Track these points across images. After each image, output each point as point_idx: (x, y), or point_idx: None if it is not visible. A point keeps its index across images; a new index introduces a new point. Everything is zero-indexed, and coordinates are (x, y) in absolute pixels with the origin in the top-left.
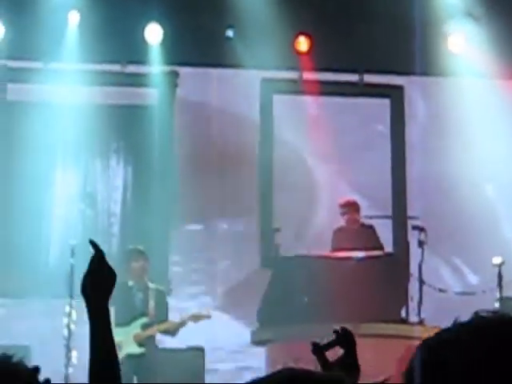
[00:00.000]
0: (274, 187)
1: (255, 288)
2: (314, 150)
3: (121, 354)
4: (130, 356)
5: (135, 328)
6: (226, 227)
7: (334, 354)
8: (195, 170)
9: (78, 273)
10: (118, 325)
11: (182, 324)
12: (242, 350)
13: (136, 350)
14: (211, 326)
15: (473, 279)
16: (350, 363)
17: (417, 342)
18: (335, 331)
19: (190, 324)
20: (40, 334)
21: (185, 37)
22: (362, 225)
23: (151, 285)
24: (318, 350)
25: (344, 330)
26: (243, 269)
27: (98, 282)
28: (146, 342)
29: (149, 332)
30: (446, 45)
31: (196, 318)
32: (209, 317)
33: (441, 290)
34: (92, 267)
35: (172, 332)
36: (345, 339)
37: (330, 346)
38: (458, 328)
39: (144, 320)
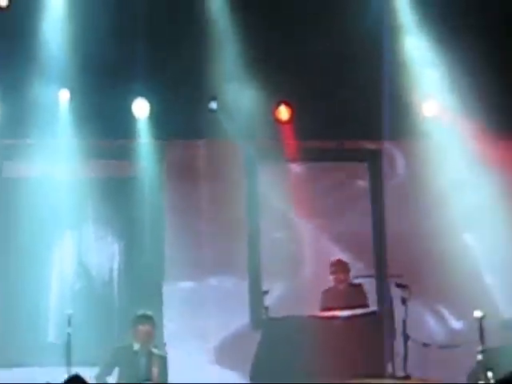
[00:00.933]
0: (261, 248)
1: (246, 346)
2: (298, 210)
3: None
4: None
5: None
6: (217, 284)
7: None
8: (185, 234)
9: (74, 340)
10: None
11: None
12: None
13: None
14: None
15: (456, 325)
16: None
17: None
18: None
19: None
20: None
21: (170, 110)
22: (350, 284)
23: (154, 350)
24: None
25: None
26: (234, 326)
27: None
28: None
29: None
30: (421, 110)
31: None
32: None
33: (425, 345)
34: None
35: None
36: None
37: None
38: None
39: None
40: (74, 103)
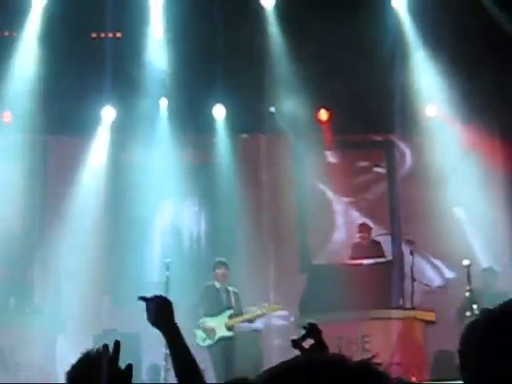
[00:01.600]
0: (308, 217)
1: (297, 285)
2: (334, 188)
3: (216, 337)
4: (221, 338)
5: (224, 318)
6: (275, 239)
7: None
8: (251, 204)
9: (171, 282)
10: (210, 315)
11: (261, 315)
12: (288, 332)
13: (226, 333)
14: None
15: (449, 275)
16: (320, 349)
17: (410, 322)
18: (304, 327)
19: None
20: (147, 325)
21: (241, 113)
22: (372, 240)
23: (230, 287)
24: (295, 343)
25: (310, 324)
26: (288, 271)
27: (160, 313)
28: (231, 328)
29: (237, 320)
30: (425, 111)
31: (273, 309)
32: (280, 309)
33: (426, 285)
34: (149, 307)
35: (252, 321)
36: (312, 331)
37: (303, 338)
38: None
39: (230, 312)
40: (170, 108)
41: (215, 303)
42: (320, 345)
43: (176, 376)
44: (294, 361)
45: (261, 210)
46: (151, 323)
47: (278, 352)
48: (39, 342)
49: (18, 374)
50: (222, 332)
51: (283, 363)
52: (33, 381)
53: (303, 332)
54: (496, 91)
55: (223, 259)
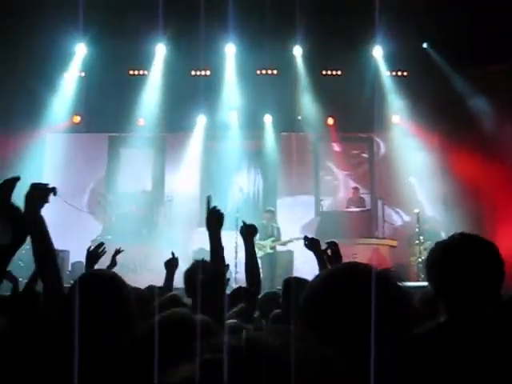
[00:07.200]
0: (321, 183)
1: (314, 224)
2: (337, 164)
3: (264, 252)
4: (267, 254)
5: (269, 241)
6: (299, 200)
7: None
8: (286, 180)
9: (239, 221)
10: (261, 239)
11: (290, 241)
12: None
13: (270, 251)
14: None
15: (406, 218)
16: (336, 256)
17: (382, 246)
18: (327, 243)
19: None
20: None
21: (281, 119)
22: (359, 197)
23: (274, 224)
24: (311, 244)
25: (332, 241)
26: (309, 216)
27: (217, 219)
28: (273, 248)
29: (277, 243)
30: (392, 119)
31: (297, 239)
32: (300, 238)
33: (391, 224)
34: (210, 215)
35: (285, 244)
36: (333, 245)
37: (325, 250)
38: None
39: (272, 238)
40: (239, 120)
41: (264, 233)
42: (337, 254)
43: (246, 271)
44: (342, 265)
45: (290, 182)
46: (209, 226)
47: (302, 264)
48: (161, 255)
49: (146, 276)
50: (267, 250)
51: (335, 267)
52: (157, 281)
53: (308, 238)
54: (437, 110)
55: (270, 208)
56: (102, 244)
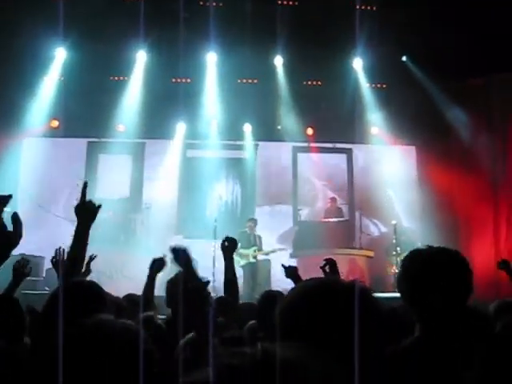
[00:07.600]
0: (299, 193)
1: (291, 234)
2: (316, 175)
3: (246, 260)
4: (249, 263)
5: (251, 251)
6: (277, 209)
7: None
8: (267, 188)
9: (218, 227)
10: (243, 248)
11: (273, 252)
12: (285, 261)
13: (253, 260)
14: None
15: (384, 229)
16: (299, 279)
17: (359, 257)
18: (285, 267)
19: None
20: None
21: (259, 129)
22: (337, 207)
23: (256, 233)
24: (287, 270)
25: (290, 267)
26: (286, 225)
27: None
28: (255, 257)
29: (259, 253)
30: (371, 130)
31: (278, 249)
32: (284, 249)
33: (368, 235)
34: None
35: (267, 254)
36: (291, 271)
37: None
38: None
39: (255, 248)
40: (220, 128)
41: (246, 242)
42: (335, 270)
43: (225, 283)
44: (312, 282)
45: (270, 190)
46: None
47: (279, 272)
48: (138, 262)
49: (123, 282)
50: (250, 259)
51: (308, 280)
52: (134, 288)
53: (287, 267)
54: (415, 122)
55: (252, 217)
56: (27, 262)
